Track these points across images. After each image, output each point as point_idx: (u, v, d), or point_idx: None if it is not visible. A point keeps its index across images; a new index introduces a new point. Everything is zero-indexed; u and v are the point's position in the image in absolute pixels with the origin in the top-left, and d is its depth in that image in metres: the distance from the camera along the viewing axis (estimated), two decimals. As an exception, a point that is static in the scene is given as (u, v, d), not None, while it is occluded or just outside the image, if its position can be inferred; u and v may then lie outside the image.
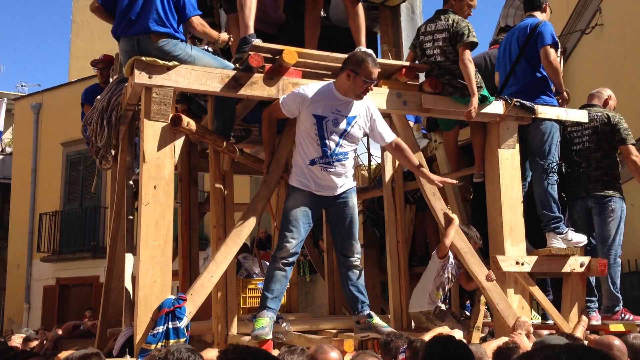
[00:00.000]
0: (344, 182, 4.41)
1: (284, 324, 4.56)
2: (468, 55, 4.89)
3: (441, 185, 4.77)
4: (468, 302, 6.58)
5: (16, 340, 6.97)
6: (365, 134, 4.56)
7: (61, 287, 16.31)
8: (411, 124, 6.80)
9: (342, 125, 4.32)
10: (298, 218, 4.33)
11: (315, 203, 4.42)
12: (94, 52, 15.97)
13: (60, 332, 6.94)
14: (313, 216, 4.45)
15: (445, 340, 2.78)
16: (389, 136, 4.58)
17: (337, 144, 4.30)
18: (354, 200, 4.51)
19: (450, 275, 5.22)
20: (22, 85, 22.58)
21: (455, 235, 4.96)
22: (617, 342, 3.88)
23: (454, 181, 4.86)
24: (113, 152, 5.53)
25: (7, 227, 17.82)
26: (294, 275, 7.12)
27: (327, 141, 4.28)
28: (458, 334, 4.39)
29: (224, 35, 4.72)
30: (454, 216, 5.03)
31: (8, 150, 19.65)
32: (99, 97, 5.58)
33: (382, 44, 6.05)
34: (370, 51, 4.46)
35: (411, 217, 6.70)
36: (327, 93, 4.32)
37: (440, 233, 5.11)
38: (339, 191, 4.41)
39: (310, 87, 4.37)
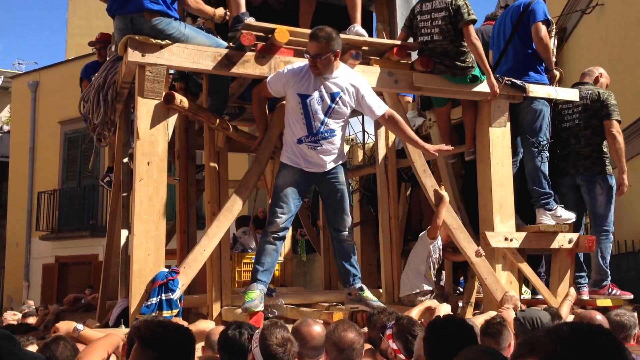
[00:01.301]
0: (333, 158, 4.45)
1: (278, 299, 4.66)
2: (474, 33, 4.86)
3: (437, 154, 4.78)
4: (462, 278, 6.68)
5: (9, 318, 7.03)
6: (353, 110, 4.59)
7: (60, 266, 16.35)
8: (409, 99, 6.87)
9: (327, 102, 4.34)
10: (288, 194, 4.39)
11: (304, 179, 4.49)
12: (91, 29, 15.95)
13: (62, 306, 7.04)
14: (303, 192, 4.52)
15: (447, 318, 2.81)
16: (380, 109, 4.53)
17: (322, 122, 4.33)
18: (343, 176, 4.55)
19: (438, 255, 5.32)
20: (19, 63, 22.39)
21: (445, 212, 5.04)
22: (599, 316, 3.98)
23: (449, 147, 4.76)
24: (111, 129, 5.59)
25: (6, 206, 17.83)
26: (290, 252, 7.22)
27: (312, 120, 4.32)
28: (445, 309, 4.49)
29: (220, 11, 4.71)
30: (445, 193, 5.09)
31: (5, 128, 19.62)
32: (95, 75, 5.63)
33: (377, 23, 6.08)
34: (327, 28, 4.29)
35: (406, 195, 6.77)
36: (309, 71, 4.35)
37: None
38: (328, 167, 4.46)
39: (295, 67, 4.41)
